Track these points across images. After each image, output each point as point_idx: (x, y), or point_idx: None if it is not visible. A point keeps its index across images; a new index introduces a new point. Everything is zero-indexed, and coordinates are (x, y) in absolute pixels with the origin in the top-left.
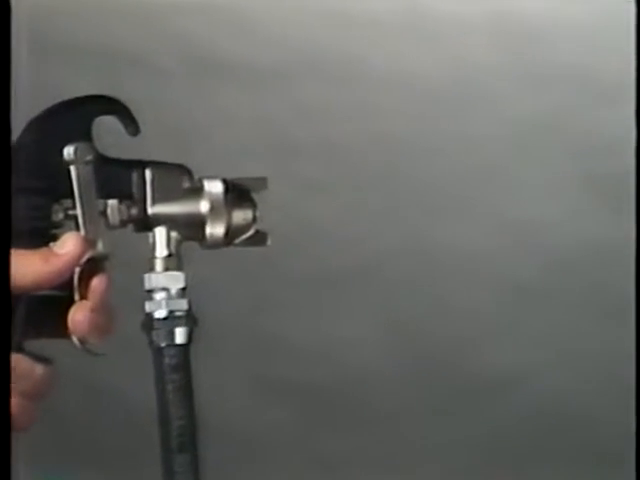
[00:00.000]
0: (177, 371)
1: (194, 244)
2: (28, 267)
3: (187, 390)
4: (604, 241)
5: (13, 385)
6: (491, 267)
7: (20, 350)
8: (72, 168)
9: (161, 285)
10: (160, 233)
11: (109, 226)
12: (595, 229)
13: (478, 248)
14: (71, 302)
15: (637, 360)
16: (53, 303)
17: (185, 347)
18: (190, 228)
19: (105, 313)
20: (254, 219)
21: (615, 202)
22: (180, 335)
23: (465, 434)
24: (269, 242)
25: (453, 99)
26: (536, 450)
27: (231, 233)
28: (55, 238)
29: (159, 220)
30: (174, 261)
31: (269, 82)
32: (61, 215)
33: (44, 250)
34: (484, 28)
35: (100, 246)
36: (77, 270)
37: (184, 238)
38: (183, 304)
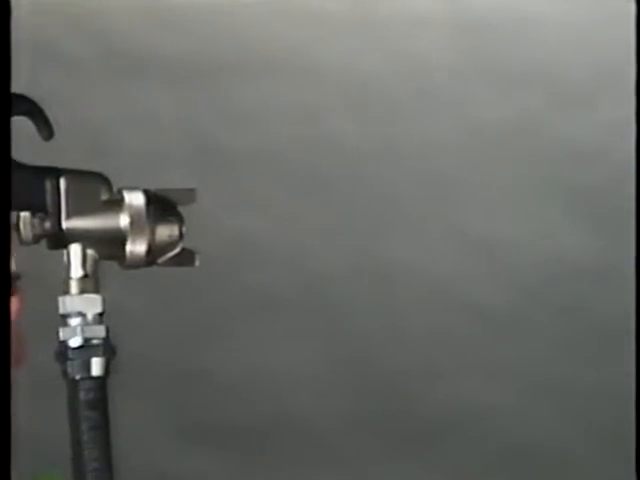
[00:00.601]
0: (93, 407)
1: (113, 263)
2: None
3: (103, 429)
4: (582, 261)
5: None
6: (453, 290)
7: None
8: None
9: (76, 309)
10: (75, 251)
11: (22, 242)
12: (571, 247)
13: (438, 269)
14: None
15: (637, 364)
16: None
17: (102, 380)
18: (108, 245)
19: (17, 340)
20: (180, 235)
21: (595, 216)
22: (97, 366)
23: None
24: (197, 262)
25: (409, 102)
26: None
27: (154, 251)
28: None
29: (74, 236)
30: (91, 282)
31: (198, 80)
32: None
33: None
34: (443, 23)
35: (12, 264)
36: None
37: (102, 256)
38: (100, 331)
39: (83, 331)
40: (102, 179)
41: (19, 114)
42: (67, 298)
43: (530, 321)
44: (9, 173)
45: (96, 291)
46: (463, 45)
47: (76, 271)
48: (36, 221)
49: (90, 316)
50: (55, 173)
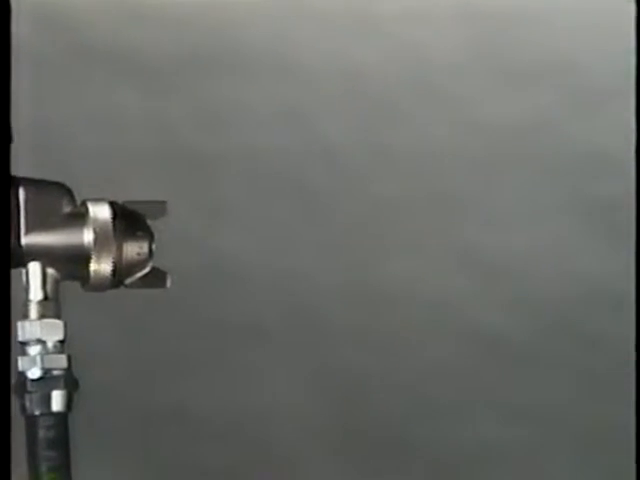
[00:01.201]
0: (54, 447)
1: (76, 284)
2: None
3: (65, 470)
4: (598, 280)
5: None
6: (456, 315)
7: None
8: None
9: (36, 336)
10: (34, 270)
11: None
12: (586, 265)
13: (439, 290)
14: None
15: (637, 365)
16: None
17: (63, 416)
18: (71, 264)
19: None
20: (150, 253)
21: (610, 230)
22: (57, 401)
23: None
24: (169, 283)
25: (407, 103)
26: None
27: (121, 270)
28: None
29: (33, 253)
30: (51, 306)
31: (171, 77)
32: None
33: None
34: (444, 15)
35: None
36: None
37: (63, 277)
38: (62, 361)
39: (43, 361)
40: (64, 190)
41: None
42: (26, 324)
43: (546, 351)
44: (9, 174)
45: (57, 316)
46: (467, 38)
47: (35, 293)
48: None
49: (50, 344)
50: (14, 182)
